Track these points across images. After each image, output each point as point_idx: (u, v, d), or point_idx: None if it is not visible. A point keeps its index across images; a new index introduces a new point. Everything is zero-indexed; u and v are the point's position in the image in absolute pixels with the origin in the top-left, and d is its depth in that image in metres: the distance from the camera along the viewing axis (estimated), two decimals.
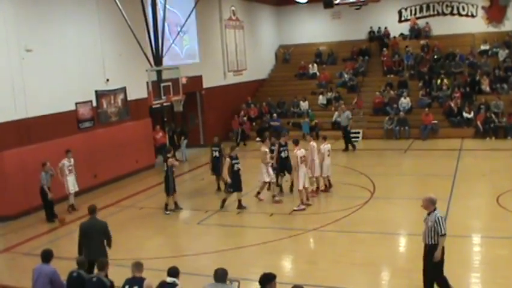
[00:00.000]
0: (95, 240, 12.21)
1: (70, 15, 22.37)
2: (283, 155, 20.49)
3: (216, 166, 21.69)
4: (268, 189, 20.06)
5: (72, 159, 20.13)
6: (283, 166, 20.76)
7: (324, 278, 12.97)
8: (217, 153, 21.63)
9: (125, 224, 18.48)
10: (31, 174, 19.54)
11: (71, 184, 20.14)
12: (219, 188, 21.74)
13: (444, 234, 11.15)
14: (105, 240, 12.32)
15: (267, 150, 19.88)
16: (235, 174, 19.09)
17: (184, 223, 18.90)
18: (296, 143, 19.16)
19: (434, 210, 11.32)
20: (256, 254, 14.87)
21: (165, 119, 29.10)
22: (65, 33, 22.09)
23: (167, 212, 19.39)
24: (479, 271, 13.27)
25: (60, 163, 19.92)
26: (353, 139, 30.74)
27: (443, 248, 11.27)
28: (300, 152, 18.76)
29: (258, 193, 20.04)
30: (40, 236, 17.55)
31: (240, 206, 19.23)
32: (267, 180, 19.71)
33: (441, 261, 11.38)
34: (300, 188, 18.82)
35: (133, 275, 9.77)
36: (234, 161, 19.12)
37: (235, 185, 19.15)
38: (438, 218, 11.17)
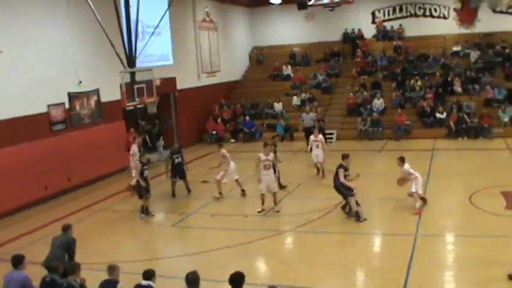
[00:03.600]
0: (54, 252, 12.30)
1: (41, 17, 22.12)
2: None
3: (178, 171, 21.48)
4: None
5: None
6: None
7: (298, 278, 12.99)
8: (179, 159, 21.42)
9: (99, 227, 18.36)
10: (2, 178, 19.39)
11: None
12: (175, 193, 21.61)
13: None
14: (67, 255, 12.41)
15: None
16: None
17: (159, 226, 18.81)
18: (265, 145, 19.07)
19: None
20: (231, 256, 14.82)
21: (139, 121, 29.02)
22: (36, 35, 21.80)
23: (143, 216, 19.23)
24: (452, 269, 13.36)
25: (131, 150, 22.22)
26: (327, 140, 30.87)
27: None
28: (260, 155, 18.53)
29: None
30: (13, 240, 17.32)
31: None
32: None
33: None
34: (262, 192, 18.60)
35: (108, 278, 9.74)
36: None
37: None
38: None
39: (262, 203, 18.63)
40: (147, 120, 29.56)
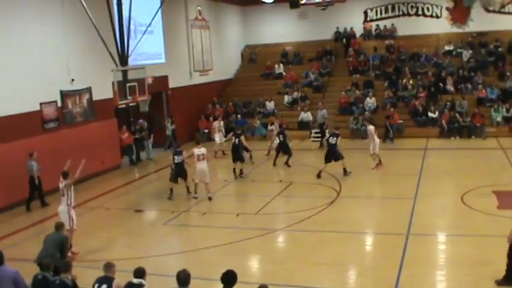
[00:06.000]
0: (46, 250, 12.27)
1: (34, 15, 22.01)
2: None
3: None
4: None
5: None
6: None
7: (290, 277, 13.00)
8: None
9: (92, 225, 18.31)
10: None
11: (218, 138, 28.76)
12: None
13: None
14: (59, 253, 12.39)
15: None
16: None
17: (151, 224, 18.80)
18: (197, 142, 21.36)
19: None
20: (223, 255, 14.81)
21: (131, 119, 28.95)
22: (29, 33, 21.68)
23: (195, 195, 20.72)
24: (444, 269, 13.39)
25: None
26: (319, 139, 31.07)
27: None
28: (198, 150, 20.36)
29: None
30: (6, 237, 17.25)
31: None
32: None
33: None
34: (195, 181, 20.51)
35: (104, 275, 9.73)
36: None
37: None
38: None
39: (195, 191, 20.66)
40: (143, 118, 29.43)
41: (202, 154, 20.26)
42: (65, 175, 16.14)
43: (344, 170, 22.78)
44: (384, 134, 30.31)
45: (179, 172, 20.79)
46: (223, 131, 29.24)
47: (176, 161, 20.71)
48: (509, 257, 11.71)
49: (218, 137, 28.94)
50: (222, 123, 29.86)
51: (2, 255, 10.39)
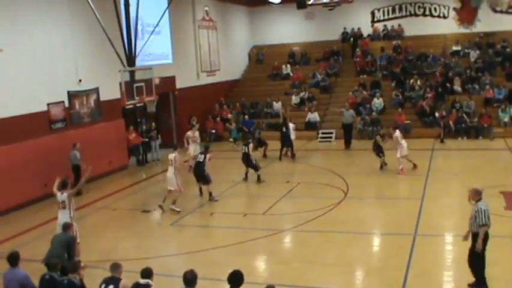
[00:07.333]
0: (54, 250, 12.27)
1: (41, 15, 22.09)
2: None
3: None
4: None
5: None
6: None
7: (297, 278, 13.00)
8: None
9: (99, 225, 18.37)
10: (2, 176, 19.43)
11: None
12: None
13: (484, 225, 11.45)
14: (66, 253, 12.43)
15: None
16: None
17: (158, 224, 18.80)
18: (175, 148, 20.34)
19: (479, 200, 11.71)
20: (230, 255, 14.81)
21: (139, 120, 28.99)
22: (36, 33, 21.77)
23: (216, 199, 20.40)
24: (451, 269, 13.37)
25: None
26: (326, 139, 31.03)
27: (486, 241, 11.55)
28: (170, 155, 19.70)
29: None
30: (13, 238, 17.30)
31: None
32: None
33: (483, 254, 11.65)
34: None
35: (111, 275, 9.74)
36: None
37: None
38: (479, 209, 11.52)
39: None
40: (146, 118, 29.50)
41: (171, 160, 19.61)
42: (64, 185, 14.94)
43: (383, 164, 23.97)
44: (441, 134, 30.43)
45: (195, 172, 20.76)
46: (199, 141, 25.96)
47: (197, 160, 20.82)
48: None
49: (192, 148, 24.94)
50: (196, 133, 26.30)
51: (17, 257, 10.42)
